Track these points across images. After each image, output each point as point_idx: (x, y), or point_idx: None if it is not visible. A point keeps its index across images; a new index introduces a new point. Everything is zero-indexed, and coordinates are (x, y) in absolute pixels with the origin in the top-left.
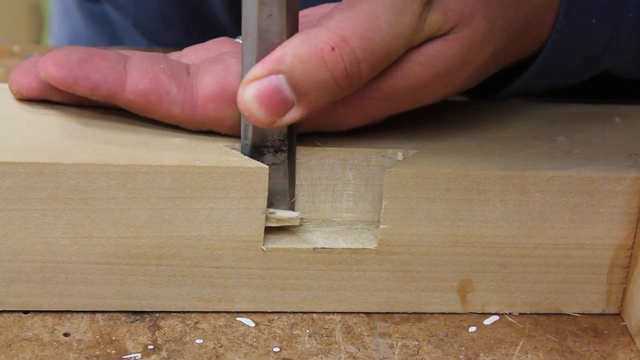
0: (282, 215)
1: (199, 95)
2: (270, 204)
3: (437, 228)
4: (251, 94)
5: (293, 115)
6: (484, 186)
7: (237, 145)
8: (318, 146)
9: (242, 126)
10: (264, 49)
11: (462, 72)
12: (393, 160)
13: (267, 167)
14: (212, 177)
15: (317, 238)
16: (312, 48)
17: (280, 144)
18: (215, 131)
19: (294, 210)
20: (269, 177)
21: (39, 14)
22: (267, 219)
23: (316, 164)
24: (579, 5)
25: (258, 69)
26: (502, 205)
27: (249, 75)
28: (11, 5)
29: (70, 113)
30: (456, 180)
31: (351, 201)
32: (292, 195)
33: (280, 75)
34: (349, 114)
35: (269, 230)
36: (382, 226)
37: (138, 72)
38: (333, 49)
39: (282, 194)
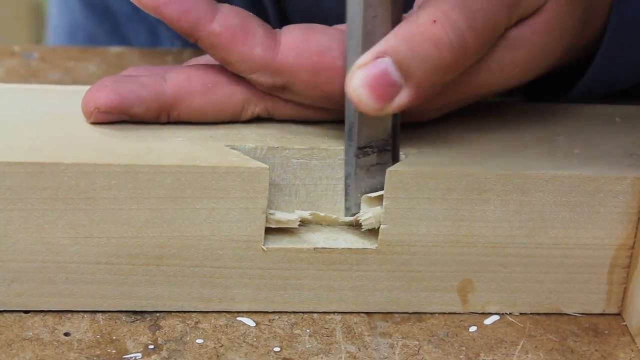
0: (282, 217)
1: (282, 41)
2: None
3: (438, 228)
4: (359, 81)
5: (402, 98)
6: (484, 186)
7: (238, 145)
8: (319, 146)
9: (347, 128)
10: (369, 40)
11: (543, 59)
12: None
13: (267, 166)
14: (213, 177)
15: (317, 238)
16: (414, 25)
17: (384, 144)
18: (287, 89)
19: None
20: (373, 177)
21: (38, 14)
22: (266, 220)
23: (317, 164)
24: (631, 1)
25: (364, 57)
26: (503, 205)
27: (357, 62)
28: (11, 5)
29: (70, 113)
30: (457, 180)
31: None
32: None
33: (386, 58)
34: (429, 101)
35: (269, 230)
36: (382, 226)
37: (229, 10)
38: (434, 21)
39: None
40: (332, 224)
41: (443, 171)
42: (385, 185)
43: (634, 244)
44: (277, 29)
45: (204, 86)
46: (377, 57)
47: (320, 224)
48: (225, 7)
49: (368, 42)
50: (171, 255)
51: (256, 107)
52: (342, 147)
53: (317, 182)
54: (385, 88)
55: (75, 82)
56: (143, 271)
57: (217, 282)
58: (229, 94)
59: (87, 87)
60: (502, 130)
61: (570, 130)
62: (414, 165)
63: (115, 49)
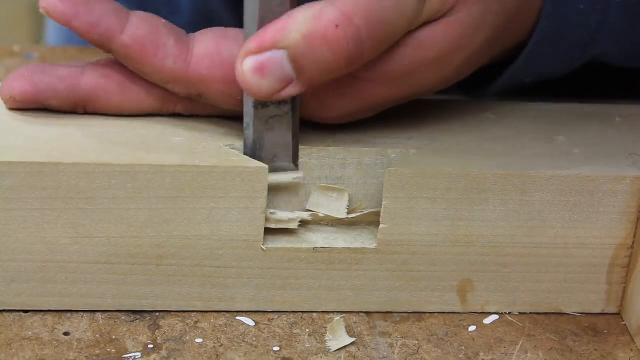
0: (282, 216)
1: (194, 52)
2: (273, 158)
3: (437, 228)
4: (251, 66)
5: (291, 90)
6: (484, 186)
7: (238, 145)
8: (318, 146)
9: None
10: (266, 19)
11: (456, 57)
12: (393, 160)
13: (266, 166)
14: (213, 177)
15: (317, 238)
16: (316, 26)
17: None
18: (203, 98)
19: (297, 165)
20: (272, 130)
21: (38, 14)
22: (267, 219)
23: (316, 164)
24: None
25: (259, 40)
26: (502, 205)
27: (249, 46)
28: (11, 5)
29: (69, 113)
30: (456, 180)
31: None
32: (296, 149)
33: (282, 51)
34: (342, 96)
35: (269, 230)
36: (382, 226)
37: (139, 19)
38: (337, 26)
39: (285, 147)
40: (331, 223)
41: (442, 171)
42: (384, 184)
43: (633, 243)
44: (191, 34)
45: (121, 84)
46: (273, 48)
47: (320, 224)
48: (135, 17)
49: (266, 9)
50: (171, 255)
51: (176, 106)
52: (342, 148)
53: (316, 182)
54: (276, 79)
55: None
56: (143, 271)
57: (216, 282)
58: (146, 93)
59: None
60: (501, 130)
61: (570, 130)
62: (413, 165)
63: None
